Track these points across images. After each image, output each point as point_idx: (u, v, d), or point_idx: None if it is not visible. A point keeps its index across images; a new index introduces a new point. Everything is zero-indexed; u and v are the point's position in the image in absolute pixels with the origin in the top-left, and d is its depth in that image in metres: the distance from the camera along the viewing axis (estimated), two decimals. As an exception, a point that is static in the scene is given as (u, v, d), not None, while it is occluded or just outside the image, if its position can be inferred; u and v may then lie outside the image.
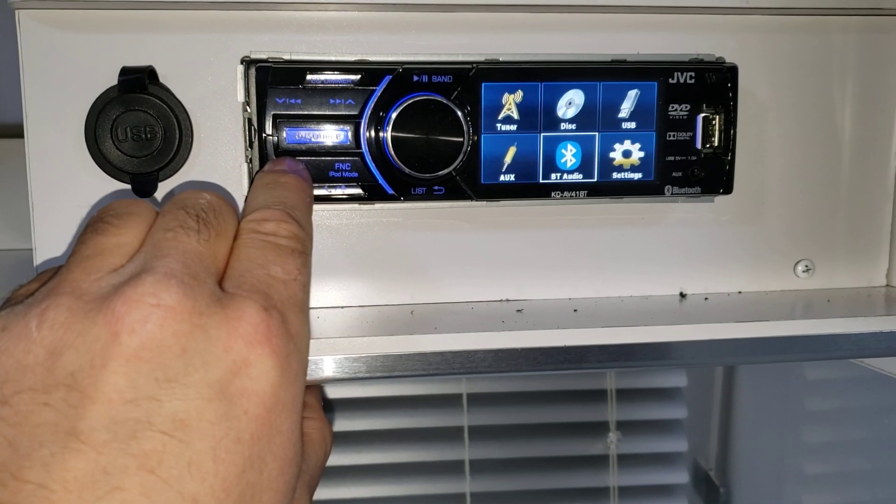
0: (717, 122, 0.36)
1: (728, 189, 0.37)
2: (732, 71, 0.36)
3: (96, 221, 0.28)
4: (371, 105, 0.33)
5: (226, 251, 0.28)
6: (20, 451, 0.22)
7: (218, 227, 0.28)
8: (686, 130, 0.36)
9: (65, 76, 0.34)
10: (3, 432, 0.22)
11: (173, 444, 0.23)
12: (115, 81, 0.33)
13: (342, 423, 0.67)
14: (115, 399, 0.23)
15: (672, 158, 0.36)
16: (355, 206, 0.36)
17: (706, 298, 0.39)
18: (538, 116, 0.35)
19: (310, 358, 0.30)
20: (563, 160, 0.35)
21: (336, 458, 0.67)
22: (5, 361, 0.23)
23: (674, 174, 0.36)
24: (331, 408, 0.66)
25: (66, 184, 0.34)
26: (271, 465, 0.25)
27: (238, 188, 0.35)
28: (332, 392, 0.67)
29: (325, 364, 0.32)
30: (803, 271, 0.40)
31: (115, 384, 0.23)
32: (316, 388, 0.38)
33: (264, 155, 0.34)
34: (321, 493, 0.67)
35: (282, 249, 0.28)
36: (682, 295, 0.39)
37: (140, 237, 0.27)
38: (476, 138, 0.34)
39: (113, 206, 0.28)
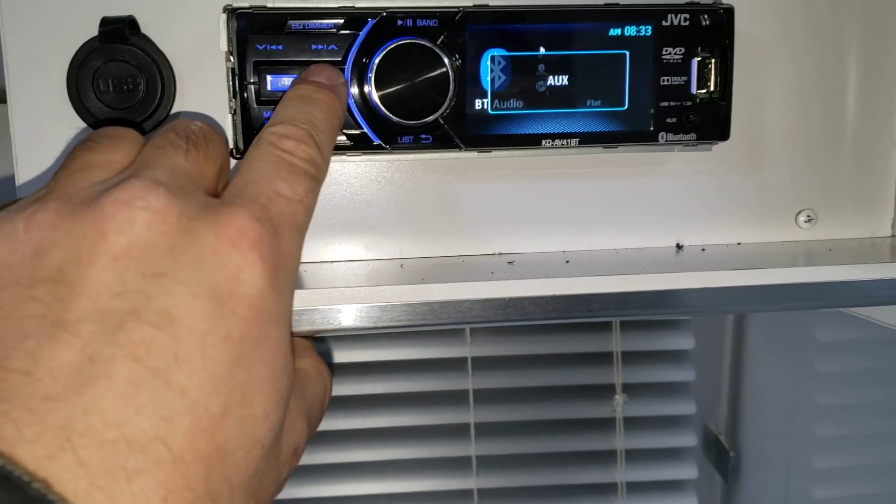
0: (712, 65, 0.35)
1: (725, 135, 0.36)
2: (728, 12, 0.35)
3: (86, 140, 0.28)
4: (355, 50, 0.33)
5: (213, 174, 0.28)
6: (6, 342, 0.22)
7: (207, 150, 0.28)
8: (681, 75, 0.35)
9: (46, 27, 0.33)
10: None
11: (161, 337, 0.23)
12: (96, 32, 0.33)
13: (346, 388, 0.67)
14: (103, 293, 0.23)
15: (666, 104, 0.35)
16: (342, 157, 0.35)
17: (703, 250, 0.38)
18: (527, 62, 0.34)
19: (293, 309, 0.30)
20: (553, 107, 0.34)
21: (340, 423, 0.67)
22: None
23: (668, 120, 0.35)
24: (334, 372, 0.66)
25: (49, 137, 0.34)
26: (261, 367, 0.25)
27: (223, 140, 0.35)
28: (337, 356, 0.66)
29: (305, 316, 0.32)
30: (805, 221, 0.39)
31: (102, 279, 0.23)
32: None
33: (246, 105, 0.33)
34: (325, 458, 0.67)
35: (294, 169, 0.28)
36: (679, 246, 0.38)
37: (130, 157, 0.27)
38: (463, 84, 0.33)
39: (104, 129, 0.28)
